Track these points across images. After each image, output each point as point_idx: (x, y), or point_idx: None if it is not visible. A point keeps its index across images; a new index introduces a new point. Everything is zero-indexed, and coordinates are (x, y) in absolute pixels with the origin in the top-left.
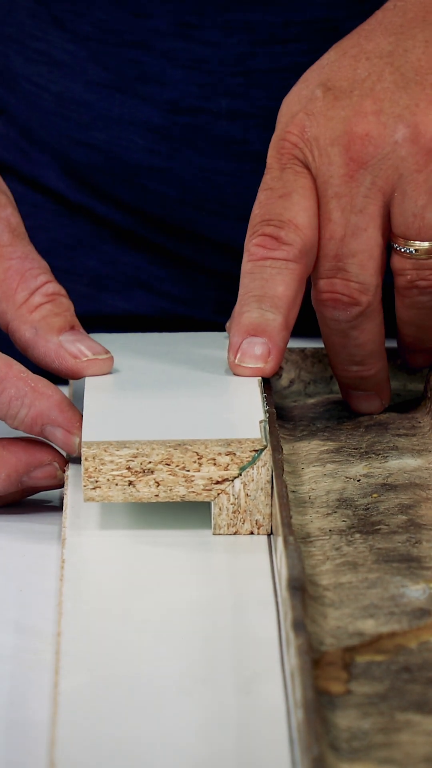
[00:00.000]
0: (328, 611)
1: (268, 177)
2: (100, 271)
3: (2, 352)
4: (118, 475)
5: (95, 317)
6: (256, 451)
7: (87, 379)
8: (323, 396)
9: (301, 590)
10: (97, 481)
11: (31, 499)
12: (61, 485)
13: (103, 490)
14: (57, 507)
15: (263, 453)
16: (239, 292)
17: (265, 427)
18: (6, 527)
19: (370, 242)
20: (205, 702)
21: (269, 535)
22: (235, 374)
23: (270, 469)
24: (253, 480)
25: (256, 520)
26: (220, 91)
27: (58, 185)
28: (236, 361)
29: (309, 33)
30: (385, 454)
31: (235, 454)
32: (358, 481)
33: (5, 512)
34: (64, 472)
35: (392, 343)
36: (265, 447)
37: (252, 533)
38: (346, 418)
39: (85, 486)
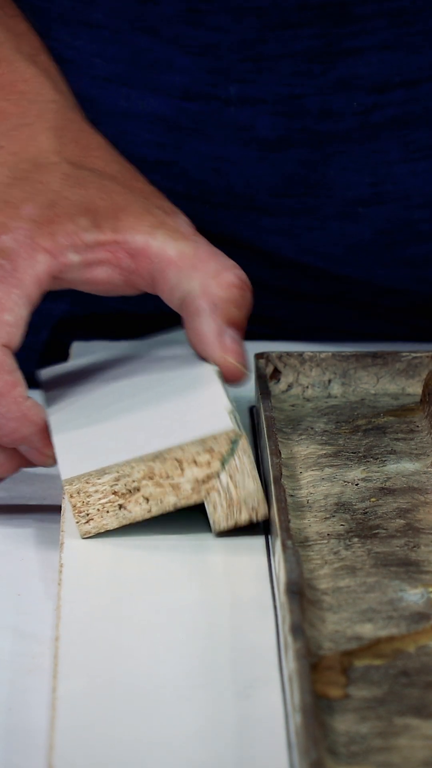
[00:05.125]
0: (327, 615)
1: None
2: None
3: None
4: (106, 503)
5: (96, 320)
6: (233, 441)
7: (47, 404)
8: (321, 400)
9: (300, 594)
10: (88, 514)
11: (29, 504)
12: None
13: (96, 521)
14: (55, 511)
15: (240, 441)
16: None
17: (235, 416)
18: (4, 531)
19: None
20: (204, 706)
21: (267, 535)
22: None
23: (251, 456)
24: (237, 470)
25: (252, 507)
26: (229, 77)
27: None
28: None
29: (321, 17)
30: (383, 458)
31: (213, 450)
32: (356, 485)
33: (4, 517)
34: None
35: (387, 346)
36: (241, 435)
37: (251, 520)
38: (344, 422)
39: (78, 522)
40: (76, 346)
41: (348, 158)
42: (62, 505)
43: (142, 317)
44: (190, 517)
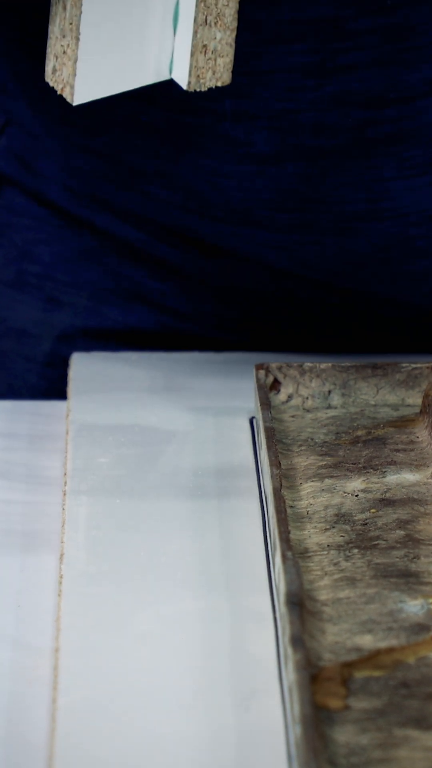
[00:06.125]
0: (327, 626)
1: None
2: (101, 284)
3: None
4: None
5: (96, 331)
6: None
7: None
8: (321, 411)
9: (300, 606)
10: None
11: (29, 514)
12: None
13: None
14: (55, 521)
15: None
16: None
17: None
18: (4, 541)
19: None
20: (204, 717)
21: (267, 546)
22: None
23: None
24: None
25: None
26: (224, 92)
27: (60, 198)
28: None
29: (315, 33)
30: (383, 469)
31: None
32: (356, 496)
33: (4, 526)
34: None
35: (387, 357)
36: None
37: None
38: (344, 433)
39: None
40: (76, 357)
41: (343, 174)
42: (62, 516)
43: (142, 332)
44: (190, 527)
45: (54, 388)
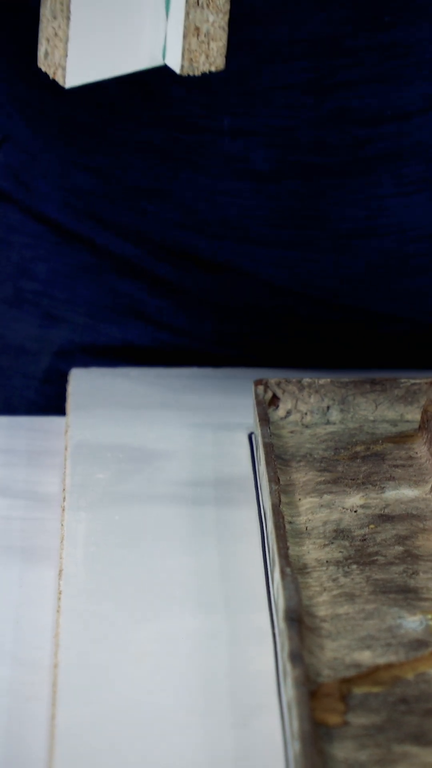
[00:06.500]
0: (325, 642)
1: None
2: (99, 301)
3: None
4: None
5: (94, 347)
6: None
7: None
8: (320, 427)
9: (298, 622)
10: None
11: (28, 530)
12: None
13: None
14: (54, 537)
15: None
16: None
17: None
18: (3, 556)
19: None
20: (203, 734)
21: (265, 562)
22: None
23: None
24: None
25: None
26: (223, 110)
27: (58, 215)
28: None
29: (313, 50)
30: (382, 485)
31: None
32: (355, 512)
33: (3, 542)
34: None
35: (386, 372)
36: None
37: None
38: (342, 449)
39: None
40: (75, 373)
41: (341, 191)
42: (61, 532)
43: (140, 348)
44: (188, 542)
45: (52, 404)
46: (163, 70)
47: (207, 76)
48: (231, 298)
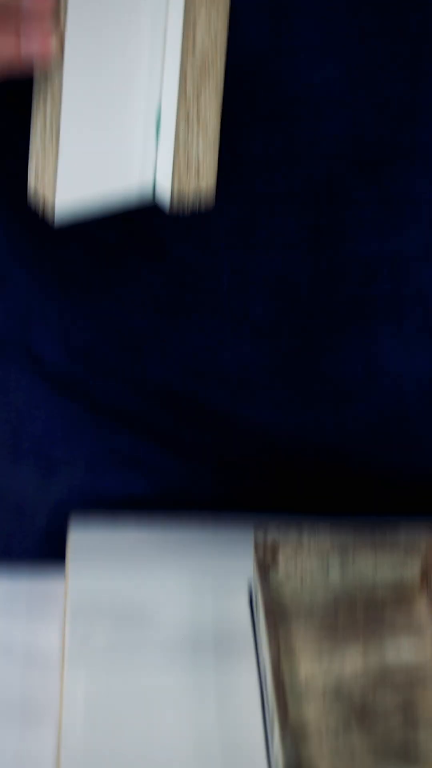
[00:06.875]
0: None
1: None
2: (98, 454)
3: None
4: None
5: (93, 500)
6: None
7: None
8: (320, 585)
9: None
10: None
11: (27, 689)
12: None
13: None
14: (54, 698)
15: None
16: None
17: None
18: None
19: None
20: None
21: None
22: None
23: None
24: None
25: None
26: (221, 263)
27: (56, 363)
28: None
29: (311, 203)
30: (383, 644)
31: None
32: (355, 672)
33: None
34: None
35: (388, 518)
36: None
37: None
38: (342, 608)
39: None
40: (74, 526)
41: (340, 345)
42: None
43: (140, 497)
44: (187, 701)
45: (52, 555)
46: (160, 220)
47: (204, 226)
48: (231, 448)
